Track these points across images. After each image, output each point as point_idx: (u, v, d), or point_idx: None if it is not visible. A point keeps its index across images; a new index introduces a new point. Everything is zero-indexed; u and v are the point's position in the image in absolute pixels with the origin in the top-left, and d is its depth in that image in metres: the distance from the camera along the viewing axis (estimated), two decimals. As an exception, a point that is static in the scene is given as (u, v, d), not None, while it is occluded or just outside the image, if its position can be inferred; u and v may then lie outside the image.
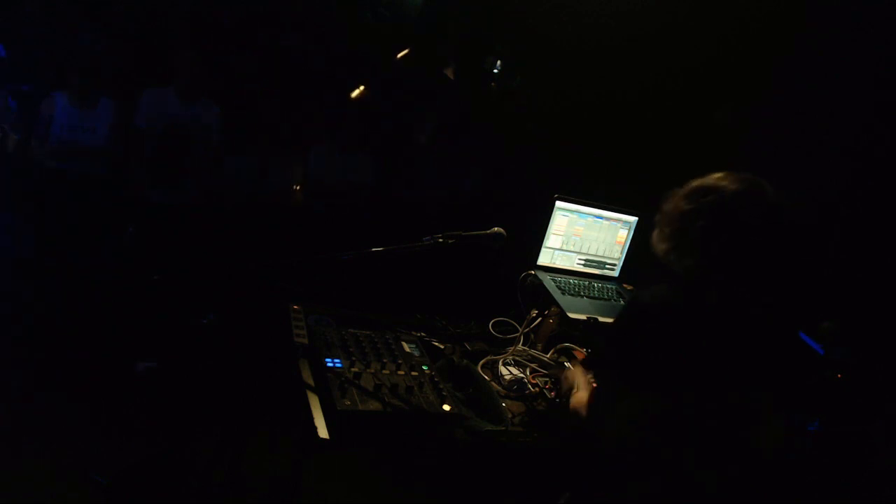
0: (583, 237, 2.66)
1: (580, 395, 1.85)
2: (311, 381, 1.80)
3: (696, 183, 1.59)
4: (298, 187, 4.74)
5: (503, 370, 2.27)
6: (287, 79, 5.37)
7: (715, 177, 1.57)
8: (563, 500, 1.82)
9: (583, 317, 2.42)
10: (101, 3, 5.08)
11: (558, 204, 2.57)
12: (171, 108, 4.23)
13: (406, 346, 2.10)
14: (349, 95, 5.72)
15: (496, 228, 2.06)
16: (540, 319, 2.45)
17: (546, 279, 2.55)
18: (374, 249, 1.84)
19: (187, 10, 5.43)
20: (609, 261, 2.75)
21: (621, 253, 2.76)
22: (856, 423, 3.08)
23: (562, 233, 2.62)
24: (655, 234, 1.65)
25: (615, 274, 2.78)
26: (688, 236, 1.56)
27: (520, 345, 2.41)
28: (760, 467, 1.62)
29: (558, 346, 2.45)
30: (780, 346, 1.62)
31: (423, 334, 2.32)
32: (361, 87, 5.75)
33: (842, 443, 3.02)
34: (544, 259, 2.62)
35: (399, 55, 6.24)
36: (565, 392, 1.99)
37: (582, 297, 2.54)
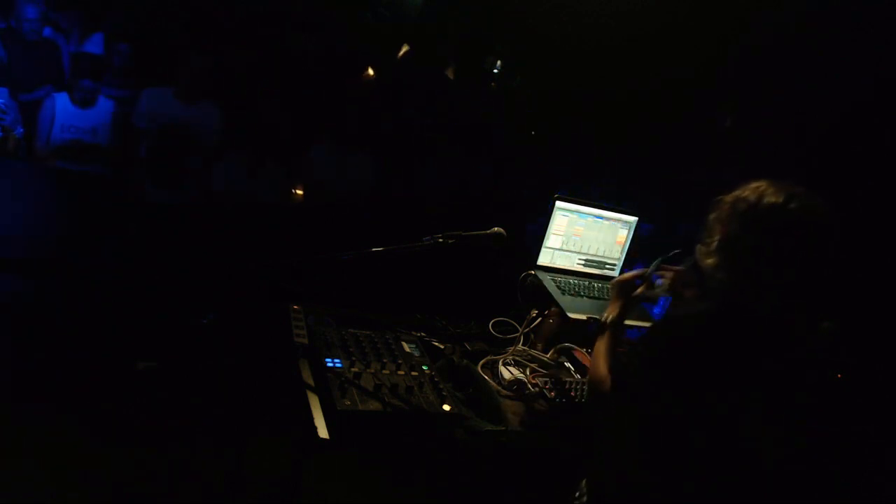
0: (583, 237, 2.65)
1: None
2: (311, 381, 1.80)
3: (749, 199, 1.50)
4: (299, 187, 4.75)
5: (503, 370, 2.27)
6: (287, 79, 5.37)
7: (770, 193, 1.48)
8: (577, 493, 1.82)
9: (583, 317, 2.41)
10: (103, 3, 5.09)
11: (558, 204, 2.57)
12: (171, 109, 4.24)
13: (406, 346, 2.10)
14: (359, 78, 5.74)
15: (496, 228, 2.06)
16: (540, 319, 2.45)
17: (546, 279, 2.55)
18: (374, 249, 1.84)
19: (187, 10, 5.43)
20: (609, 261, 2.75)
21: (621, 253, 2.76)
22: (856, 423, 3.08)
23: (562, 233, 2.61)
24: (702, 248, 1.58)
25: (615, 274, 2.77)
26: (743, 259, 1.50)
27: (520, 345, 2.41)
28: (764, 472, 1.62)
29: (558, 346, 2.45)
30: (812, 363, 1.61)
31: (423, 334, 2.32)
32: (371, 72, 5.76)
33: (842, 443, 3.02)
34: (544, 259, 2.62)
35: (400, 54, 6.24)
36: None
37: (582, 297, 2.54)
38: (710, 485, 1.60)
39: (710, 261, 1.55)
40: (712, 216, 1.58)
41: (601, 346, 1.88)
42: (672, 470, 1.60)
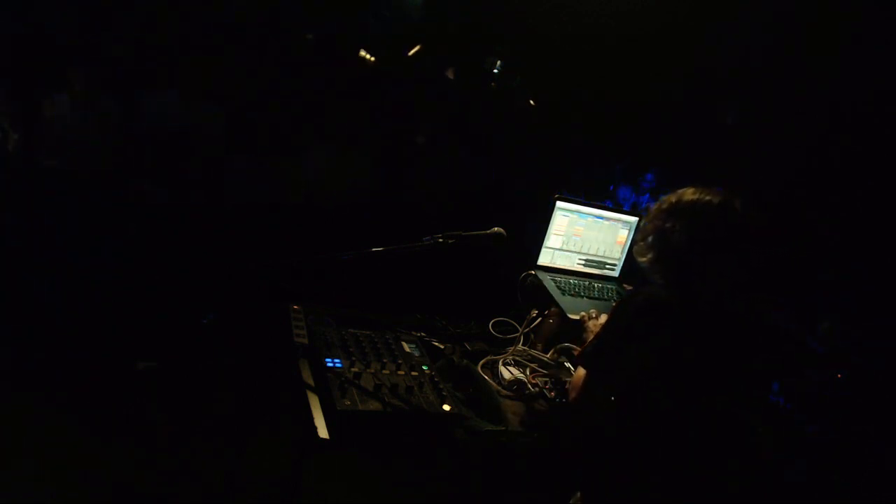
0: (583, 237, 2.66)
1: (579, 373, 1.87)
2: (311, 381, 1.80)
3: (671, 199, 1.71)
4: (300, 187, 4.75)
5: (503, 370, 2.27)
6: (288, 79, 5.36)
7: (689, 192, 1.69)
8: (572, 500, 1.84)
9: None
10: (105, 3, 5.08)
11: (558, 204, 2.57)
12: (174, 110, 4.24)
13: (406, 346, 2.10)
14: (407, 54, 5.77)
15: (496, 228, 2.06)
16: (540, 319, 2.45)
17: (546, 279, 2.55)
18: (374, 249, 1.84)
19: (190, 10, 5.42)
20: (609, 261, 2.75)
21: (621, 253, 2.76)
22: (856, 423, 3.08)
23: (562, 233, 2.61)
24: (637, 248, 1.78)
25: (615, 274, 2.78)
26: (671, 249, 1.66)
27: (520, 345, 2.41)
28: (753, 466, 1.65)
29: (558, 346, 2.45)
30: (758, 345, 1.70)
31: (423, 334, 2.32)
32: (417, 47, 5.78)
33: (842, 443, 3.02)
34: (544, 259, 2.62)
35: (410, 52, 6.24)
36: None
37: (582, 297, 2.54)
38: (699, 480, 1.63)
39: (645, 258, 1.74)
40: (642, 222, 1.78)
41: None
42: (661, 466, 1.63)
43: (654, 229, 1.70)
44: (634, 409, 1.67)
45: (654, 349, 1.62)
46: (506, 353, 2.36)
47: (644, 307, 1.68)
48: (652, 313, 1.65)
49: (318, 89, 5.48)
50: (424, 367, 2.01)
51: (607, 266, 2.75)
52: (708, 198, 1.64)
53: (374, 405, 1.74)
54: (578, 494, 1.82)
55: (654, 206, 1.74)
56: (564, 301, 2.45)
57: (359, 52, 5.93)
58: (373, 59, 5.95)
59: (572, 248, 2.66)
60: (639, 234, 1.77)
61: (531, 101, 6.63)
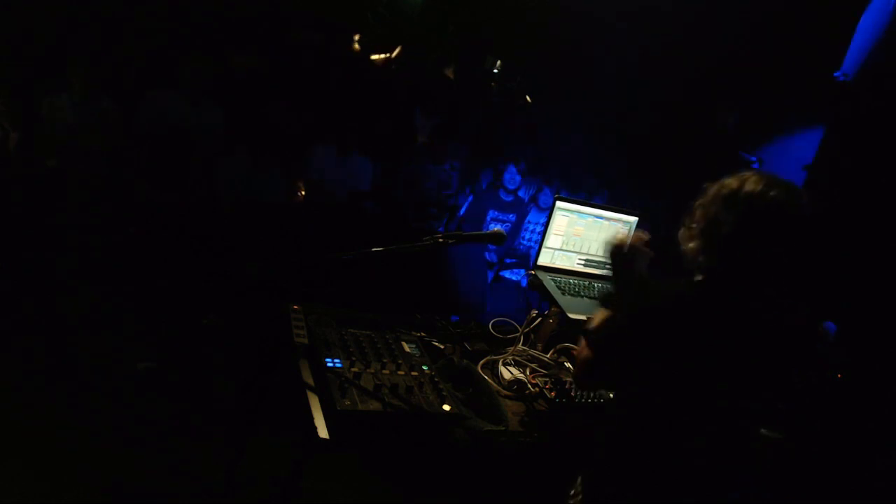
0: (583, 237, 2.65)
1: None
2: (311, 381, 1.80)
3: (732, 185, 1.55)
4: (301, 187, 4.75)
5: (503, 370, 2.27)
6: (289, 80, 5.37)
7: (752, 181, 1.53)
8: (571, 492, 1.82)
9: (583, 317, 2.41)
10: (106, 3, 5.08)
11: (558, 204, 2.57)
12: (174, 110, 4.24)
13: (406, 346, 2.10)
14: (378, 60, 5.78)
15: (496, 228, 2.06)
16: (540, 319, 2.45)
17: (546, 279, 2.55)
18: (374, 249, 1.85)
19: (190, 11, 5.43)
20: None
21: (621, 253, 2.75)
22: (856, 422, 3.08)
23: (562, 233, 2.61)
24: (684, 232, 1.63)
25: (615, 274, 2.77)
26: (721, 241, 1.54)
27: (520, 345, 2.41)
28: (764, 466, 1.63)
29: (558, 346, 2.45)
30: (790, 350, 1.62)
31: (423, 334, 2.32)
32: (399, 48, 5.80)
33: (842, 442, 3.03)
34: (544, 259, 2.62)
35: (393, 54, 6.27)
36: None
37: (582, 297, 2.54)
38: (713, 479, 1.61)
39: (691, 244, 1.60)
40: (696, 202, 1.62)
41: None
42: (673, 464, 1.61)
43: (706, 216, 1.56)
44: (641, 403, 1.63)
45: (668, 349, 1.55)
46: (506, 353, 2.36)
47: (668, 303, 1.59)
48: (674, 312, 1.56)
49: (319, 88, 5.49)
50: (424, 367, 2.01)
51: (607, 266, 2.75)
52: (773, 192, 1.49)
53: (374, 405, 1.74)
54: (579, 480, 1.79)
55: (710, 190, 1.59)
56: (564, 301, 2.45)
57: (363, 51, 5.95)
58: (384, 55, 5.96)
59: (572, 249, 2.66)
60: (688, 218, 1.62)
61: (527, 98, 6.66)
